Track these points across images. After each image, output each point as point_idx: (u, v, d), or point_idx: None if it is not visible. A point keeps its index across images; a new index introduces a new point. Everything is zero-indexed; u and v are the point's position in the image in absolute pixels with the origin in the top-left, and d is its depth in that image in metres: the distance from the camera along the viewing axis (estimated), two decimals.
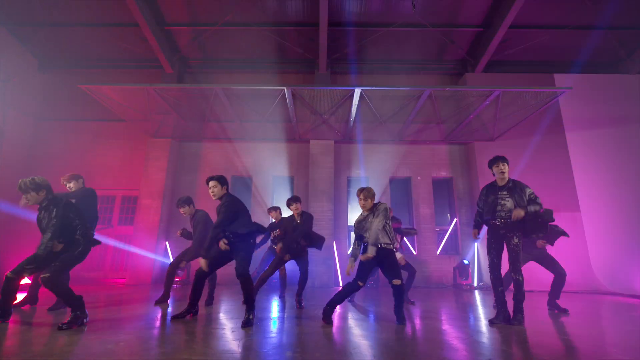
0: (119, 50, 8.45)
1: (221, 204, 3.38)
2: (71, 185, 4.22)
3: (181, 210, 4.46)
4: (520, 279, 3.38)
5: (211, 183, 3.43)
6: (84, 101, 8.09)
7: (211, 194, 3.44)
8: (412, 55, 8.64)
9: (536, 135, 8.00)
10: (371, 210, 3.47)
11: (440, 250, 7.90)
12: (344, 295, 3.38)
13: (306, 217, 4.47)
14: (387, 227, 3.39)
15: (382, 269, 3.48)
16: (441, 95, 6.71)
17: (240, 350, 2.37)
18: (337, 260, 7.54)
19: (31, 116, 8.37)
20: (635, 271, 6.71)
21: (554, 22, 7.82)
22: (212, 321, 3.39)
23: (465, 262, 7.14)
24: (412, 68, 8.84)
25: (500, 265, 3.54)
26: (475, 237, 3.90)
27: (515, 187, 3.55)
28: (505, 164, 3.61)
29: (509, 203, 3.49)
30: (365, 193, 3.46)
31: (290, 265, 5.51)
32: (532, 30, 7.97)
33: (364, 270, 3.35)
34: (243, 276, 3.21)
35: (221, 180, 3.44)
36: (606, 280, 6.92)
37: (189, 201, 4.48)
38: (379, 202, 3.51)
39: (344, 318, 3.68)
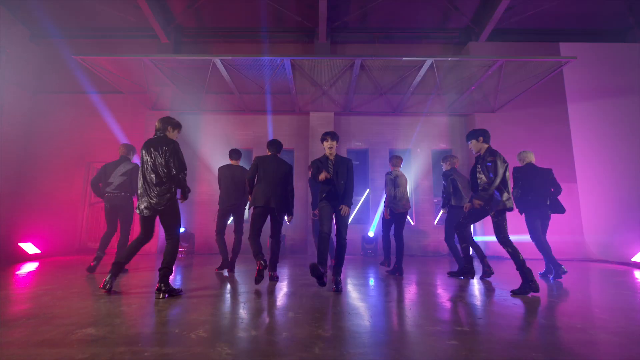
0: (112, 19, 8.18)
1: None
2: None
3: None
4: (510, 250, 3.39)
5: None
6: (80, 73, 7.94)
7: (330, 152, 3.98)
8: (415, 23, 8.38)
9: (537, 106, 7.94)
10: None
11: (438, 221, 8.08)
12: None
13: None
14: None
15: None
16: (443, 65, 6.59)
17: (245, 311, 2.54)
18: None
19: (27, 89, 8.23)
20: (625, 239, 6.90)
21: None
22: (221, 285, 3.58)
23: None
24: (414, 37, 8.60)
25: (469, 229, 4.20)
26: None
27: (479, 158, 3.76)
28: (473, 140, 3.81)
29: (482, 176, 3.64)
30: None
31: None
32: None
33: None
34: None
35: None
36: (597, 249, 7.15)
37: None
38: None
39: (343, 284, 3.86)
